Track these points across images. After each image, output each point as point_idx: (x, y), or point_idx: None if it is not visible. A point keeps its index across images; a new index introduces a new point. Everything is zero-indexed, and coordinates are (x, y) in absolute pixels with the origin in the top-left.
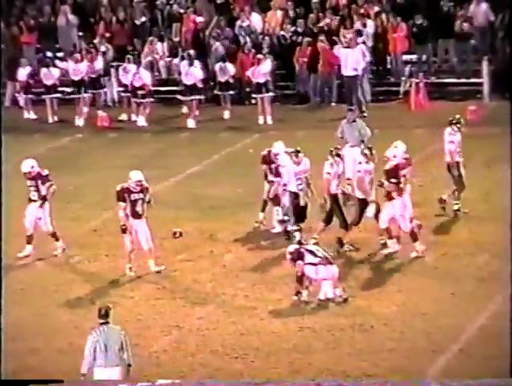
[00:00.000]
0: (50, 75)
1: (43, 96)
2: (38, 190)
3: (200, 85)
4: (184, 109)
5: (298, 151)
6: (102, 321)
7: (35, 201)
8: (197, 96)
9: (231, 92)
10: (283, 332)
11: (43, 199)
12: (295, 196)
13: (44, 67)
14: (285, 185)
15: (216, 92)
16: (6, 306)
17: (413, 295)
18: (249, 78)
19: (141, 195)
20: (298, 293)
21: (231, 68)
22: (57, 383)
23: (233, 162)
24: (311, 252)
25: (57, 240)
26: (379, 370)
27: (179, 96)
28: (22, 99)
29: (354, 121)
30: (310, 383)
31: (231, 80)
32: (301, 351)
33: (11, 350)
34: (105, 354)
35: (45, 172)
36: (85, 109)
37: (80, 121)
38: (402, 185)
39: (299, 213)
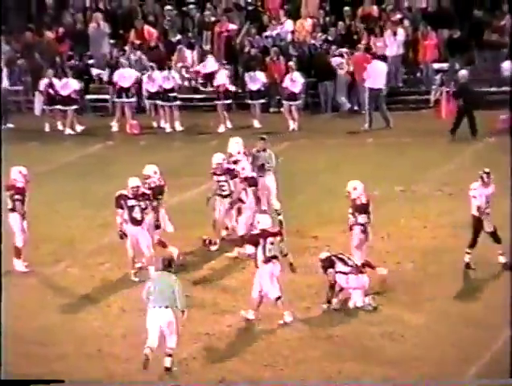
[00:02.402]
0: (66, 86)
1: (61, 107)
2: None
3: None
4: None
5: (488, 173)
6: (163, 269)
7: (20, 213)
8: (228, 101)
9: (262, 101)
10: (312, 340)
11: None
12: (478, 221)
13: (60, 79)
14: (479, 208)
15: (247, 100)
16: (35, 311)
17: (442, 304)
18: (280, 86)
19: (137, 202)
20: (328, 301)
21: (261, 77)
22: (58, 383)
23: None
24: (342, 260)
25: (19, 257)
26: (409, 379)
27: (216, 102)
28: (48, 109)
29: (264, 150)
30: None
31: (262, 89)
32: (330, 360)
33: (40, 354)
34: (155, 295)
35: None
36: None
37: (115, 127)
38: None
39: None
